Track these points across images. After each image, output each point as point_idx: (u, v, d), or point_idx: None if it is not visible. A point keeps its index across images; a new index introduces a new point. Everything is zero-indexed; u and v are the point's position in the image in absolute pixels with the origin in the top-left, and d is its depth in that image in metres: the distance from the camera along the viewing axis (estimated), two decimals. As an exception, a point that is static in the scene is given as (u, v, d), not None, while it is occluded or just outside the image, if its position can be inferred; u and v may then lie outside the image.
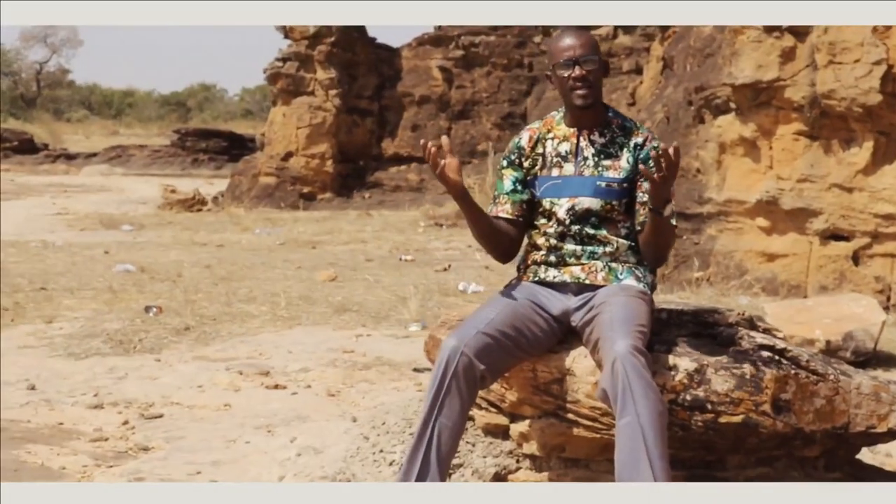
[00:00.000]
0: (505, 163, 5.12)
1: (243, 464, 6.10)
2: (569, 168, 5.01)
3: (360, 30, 27.36)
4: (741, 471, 5.17)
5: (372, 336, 9.92)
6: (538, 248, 5.08)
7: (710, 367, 4.89)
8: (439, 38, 27.54)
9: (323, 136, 26.46)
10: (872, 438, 5.28)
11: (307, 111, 26.33)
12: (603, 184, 4.96)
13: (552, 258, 5.02)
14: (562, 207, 4.97)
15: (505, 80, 27.41)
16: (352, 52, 26.97)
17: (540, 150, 5.06)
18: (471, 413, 5.35)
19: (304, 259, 15.97)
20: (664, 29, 19.24)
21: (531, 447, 5.27)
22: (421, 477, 4.65)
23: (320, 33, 26.27)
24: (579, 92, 4.93)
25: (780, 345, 5.18)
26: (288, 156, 26.38)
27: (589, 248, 4.99)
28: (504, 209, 5.07)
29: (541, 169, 5.05)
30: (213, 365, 8.66)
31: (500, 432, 5.42)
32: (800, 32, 12.15)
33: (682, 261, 12.97)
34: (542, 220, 5.05)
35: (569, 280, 4.97)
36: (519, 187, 5.06)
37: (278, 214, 24.26)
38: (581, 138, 5.03)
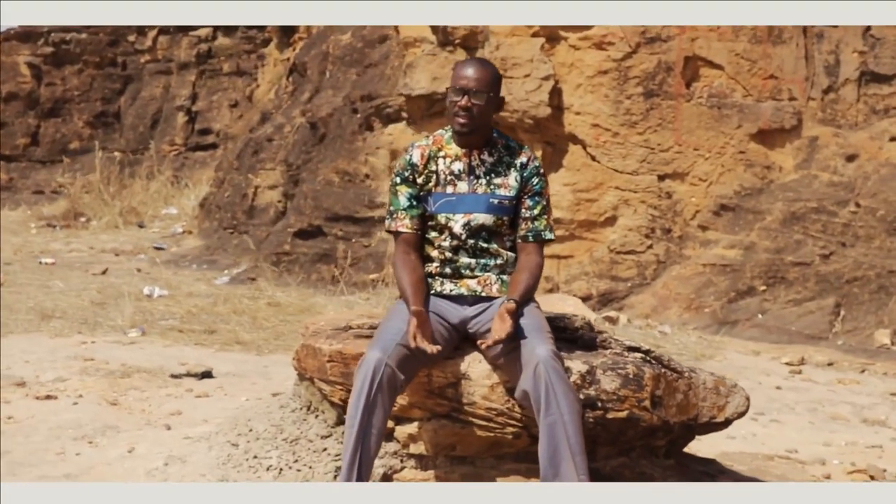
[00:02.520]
0: (398, 179, 5.38)
1: (100, 474, 6.08)
2: (462, 186, 5.35)
3: (-57, 22, 26.12)
4: (607, 461, 5.67)
5: (98, 343, 9.83)
6: (431, 261, 5.40)
7: (599, 369, 5.36)
8: (27, 34, 26.66)
9: None
10: (713, 427, 5.92)
11: None
12: (496, 201, 5.34)
13: (447, 270, 5.36)
14: (457, 223, 5.31)
15: (98, 78, 26.86)
16: (-67, 45, 25.74)
17: (433, 167, 5.37)
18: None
19: (-60, 263, 15.29)
20: (288, 34, 19.63)
21: (419, 448, 5.57)
22: (361, 478, 4.92)
23: None
24: (460, 120, 5.28)
25: (645, 346, 5.78)
26: None
27: (482, 261, 5.36)
28: (403, 224, 5.35)
29: (435, 185, 5.36)
30: (-43, 376, 8.38)
31: (385, 435, 5.69)
32: (471, 47, 12.90)
33: (354, 263, 13.46)
34: (435, 234, 5.37)
35: (465, 293, 5.33)
36: (414, 202, 5.35)
37: None
38: (472, 158, 5.38)
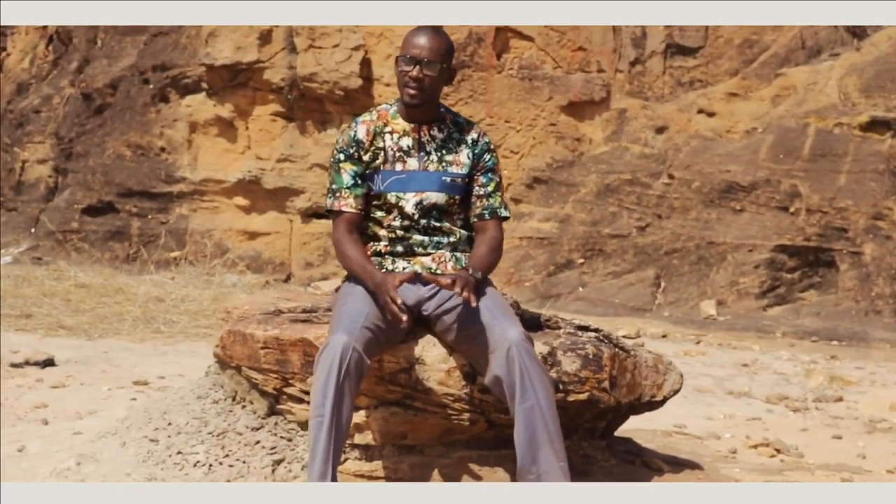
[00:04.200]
0: (342, 156, 5.05)
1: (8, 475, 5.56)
2: (412, 163, 5.07)
3: None
4: (554, 444, 5.47)
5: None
6: (378, 240, 5.11)
7: (559, 350, 5.17)
8: None
9: None
10: (653, 406, 5.80)
11: None
12: (448, 179, 5.08)
13: (399, 248, 5.08)
14: (409, 202, 5.03)
15: None
16: None
17: (380, 143, 5.06)
18: (288, 407, 5.34)
19: None
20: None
21: (364, 437, 5.27)
22: (335, 474, 4.62)
23: None
24: (410, 91, 5.00)
25: (593, 325, 5.61)
26: None
27: (435, 239, 5.10)
28: (347, 203, 5.03)
29: (383, 163, 5.07)
30: None
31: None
32: (275, 16, 12.53)
33: (150, 240, 12.90)
34: (382, 213, 5.08)
35: (420, 270, 5.06)
36: (359, 181, 5.05)
37: None
38: (422, 133, 5.11)
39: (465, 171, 5.09)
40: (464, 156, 5.10)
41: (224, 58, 12.47)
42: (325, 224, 12.60)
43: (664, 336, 10.62)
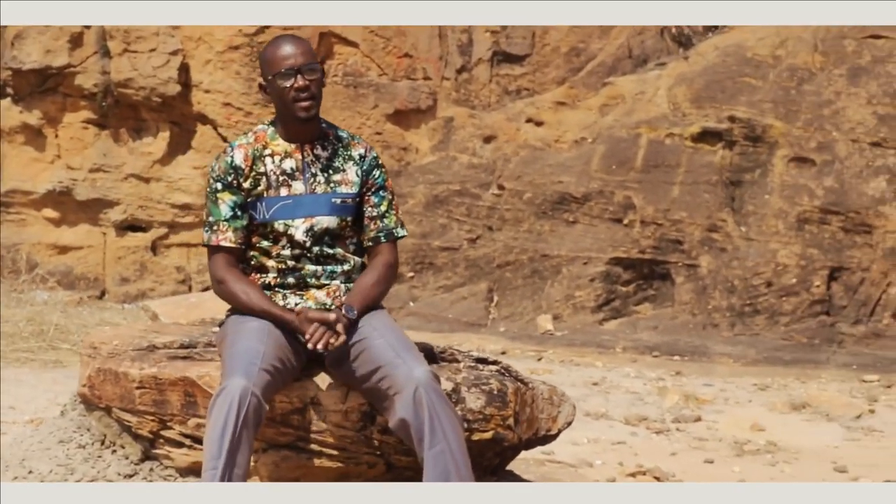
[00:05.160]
0: (219, 185, 4.62)
1: None
2: (298, 186, 4.68)
3: None
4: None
5: None
6: (266, 271, 4.73)
7: (463, 386, 4.88)
8: None
9: None
10: (547, 440, 5.52)
11: None
12: (338, 200, 4.71)
13: (290, 280, 4.71)
14: (298, 229, 4.65)
15: None
16: None
17: (260, 168, 4.66)
18: (166, 452, 4.97)
19: None
20: None
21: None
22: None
23: None
24: (303, 104, 4.62)
25: (491, 357, 5.33)
26: None
27: (328, 268, 4.74)
28: (226, 237, 4.62)
29: (266, 189, 4.67)
30: None
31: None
32: (86, 18, 12.02)
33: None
34: (268, 243, 4.69)
35: (314, 306, 4.69)
36: (239, 212, 4.63)
37: None
38: (305, 153, 4.73)
39: (354, 190, 4.72)
40: (352, 174, 4.72)
41: (32, 62, 11.88)
42: (142, 237, 12.14)
43: (504, 353, 10.42)
